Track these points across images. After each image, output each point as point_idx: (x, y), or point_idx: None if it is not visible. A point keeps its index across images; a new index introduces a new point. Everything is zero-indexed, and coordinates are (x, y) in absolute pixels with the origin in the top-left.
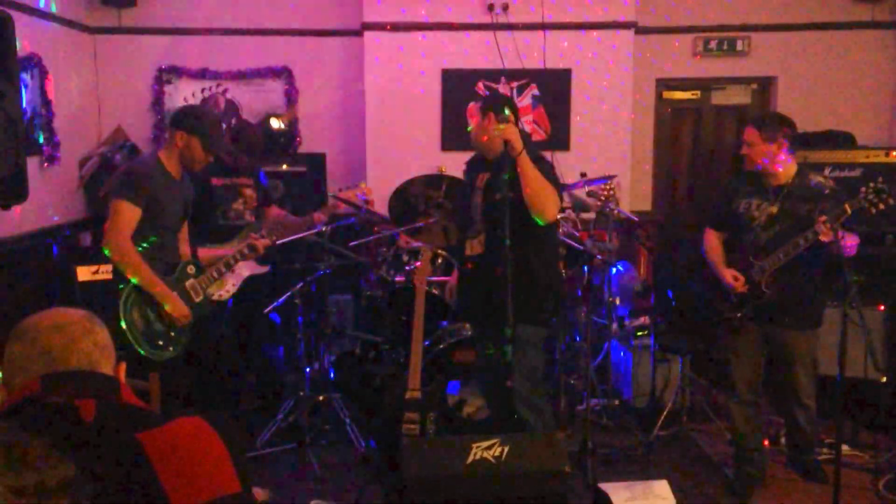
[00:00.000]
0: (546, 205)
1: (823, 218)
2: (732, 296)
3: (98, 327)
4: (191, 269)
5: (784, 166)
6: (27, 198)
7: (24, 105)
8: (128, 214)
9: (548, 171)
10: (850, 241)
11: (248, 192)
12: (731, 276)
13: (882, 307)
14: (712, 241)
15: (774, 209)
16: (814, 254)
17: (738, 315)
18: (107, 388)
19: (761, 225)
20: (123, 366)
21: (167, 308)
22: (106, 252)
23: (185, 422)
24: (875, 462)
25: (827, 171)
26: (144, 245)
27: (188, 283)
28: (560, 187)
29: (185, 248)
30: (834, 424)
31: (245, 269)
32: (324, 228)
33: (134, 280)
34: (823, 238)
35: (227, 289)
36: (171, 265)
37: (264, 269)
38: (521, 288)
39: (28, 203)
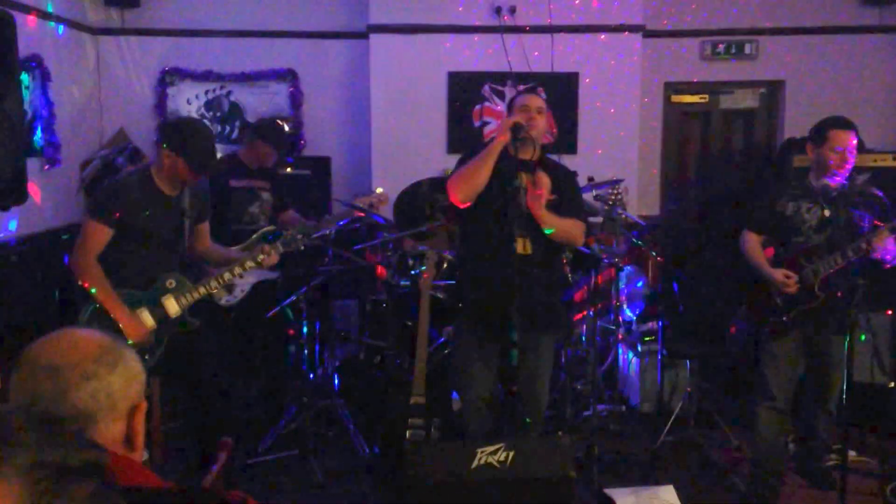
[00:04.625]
0: (575, 240)
1: (882, 233)
2: (779, 298)
3: (106, 369)
4: (170, 283)
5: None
6: (26, 200)
7: (25, 106)
8: (95, 235)
9: (576, 195)
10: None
11: (266, 195)
12: (782, 276)
13: (890, 312)
14: (753, 243)
15: (826, 212)
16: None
17: (784, 318)
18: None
19: (813, 228)
20: (143, 406)
21: (122, 328)
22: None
23: None
24: (882, 468)
25: None
26: (123, 262)
27: (164, 298)
28: (584, 208)
29: (206, 248)
30: (841, 430)
31: (252, 276)
32: (328, 232)
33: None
34: (876, 254)
35: (234, 294)
36: (150, 279)
37: (274, 274)
38: (548, 295)
39: (28, 206)
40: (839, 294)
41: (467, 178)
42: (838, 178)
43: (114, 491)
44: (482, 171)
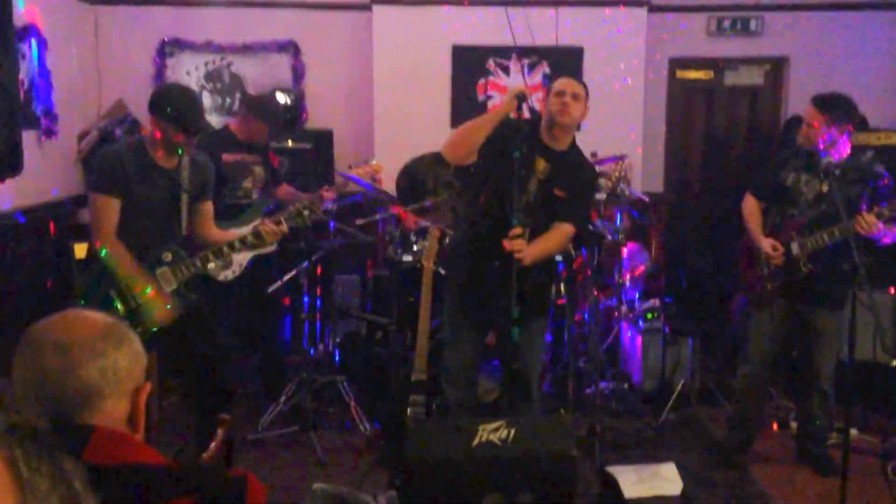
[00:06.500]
0: (556, 253)
1: (870, 218)
2: (765, 266)
3: (112, 347)
4: (166, 256)
5: (841, 152)
6: (22, 171)
7: (22, 76)
8: (104, 208)
9: (584, 202)
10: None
11: (258, 169)
12: (769, 246)
13: (893, 290)
14: (752, 208)
15: (824, 188)
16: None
17: (768, 287)
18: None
19: (808, 202)
20: (147, 387)
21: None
22: (102, 253)
23: None
24: (884, 446)
25: None
26: (118, 232)
27: (159, 272)
28: (586, 216)
29: (208, 232)
30: (844, 409)
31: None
32: (331, 206)
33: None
34: (860, 231)
35: (232, 269)
36: (145, 252)
37: (272, 247)
38: (541, 280)
39: (25, 177)
40: (830, 268)
41: (462, 136)
42: (833, 154)
43: (76, 461)
44: (479, 133)
